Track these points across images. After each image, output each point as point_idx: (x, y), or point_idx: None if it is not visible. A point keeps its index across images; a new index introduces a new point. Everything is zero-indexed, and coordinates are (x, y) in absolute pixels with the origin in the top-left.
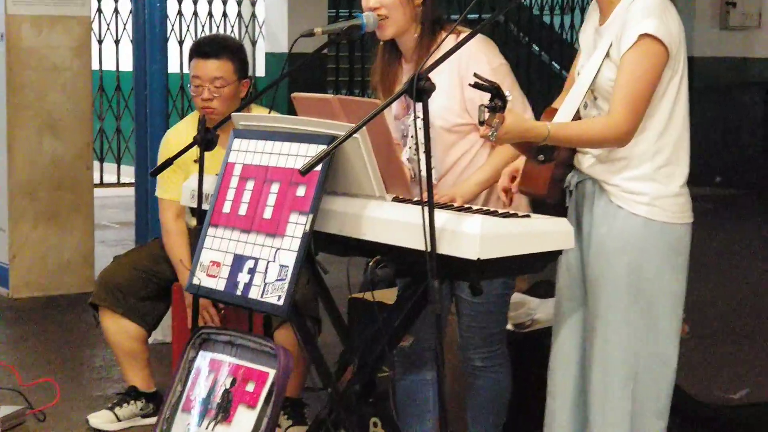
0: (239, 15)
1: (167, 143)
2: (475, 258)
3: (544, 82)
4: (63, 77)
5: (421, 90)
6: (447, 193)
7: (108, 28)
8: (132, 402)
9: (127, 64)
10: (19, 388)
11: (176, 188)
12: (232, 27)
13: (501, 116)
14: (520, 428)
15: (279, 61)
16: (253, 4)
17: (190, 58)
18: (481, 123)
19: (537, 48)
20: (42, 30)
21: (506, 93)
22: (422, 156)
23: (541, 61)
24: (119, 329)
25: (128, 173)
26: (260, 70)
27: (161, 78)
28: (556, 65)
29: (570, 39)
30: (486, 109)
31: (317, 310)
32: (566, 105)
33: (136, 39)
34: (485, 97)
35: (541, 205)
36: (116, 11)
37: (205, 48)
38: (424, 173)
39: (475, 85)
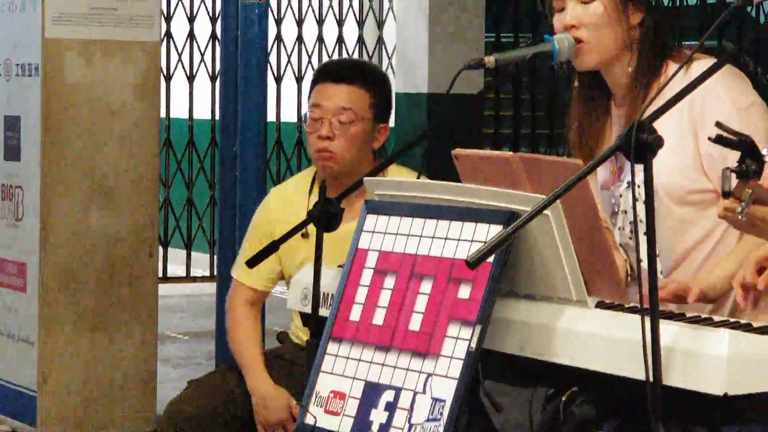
0: (360, 41)
1: (266, 210)
2: (721, 393)
3: None
4: (120, 125)
5: (642, 146)
6: (682, 283)
7: (180, 59)
8: None
9: (203, 110)
10: None
11: (261, 270)
12: (350, 56)
13: (756, 185)
14: None
15: (415, 105)
16: (380, 25)
17: (314, 84)
18: (726, 194)
19: None
20: (93, 59)
21: (763, 151)
22: (642, 241)
23: None
24: None
25: (201, 263)
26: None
27: (257, 126)
28: None
29: None
30: (733, 174)
31: None
32: None
33: (225, 68)
34: (731, 158)
35: None
36: (191, 36)
37: (337, 69)
38: (644, 267)
39: (717, 140)
